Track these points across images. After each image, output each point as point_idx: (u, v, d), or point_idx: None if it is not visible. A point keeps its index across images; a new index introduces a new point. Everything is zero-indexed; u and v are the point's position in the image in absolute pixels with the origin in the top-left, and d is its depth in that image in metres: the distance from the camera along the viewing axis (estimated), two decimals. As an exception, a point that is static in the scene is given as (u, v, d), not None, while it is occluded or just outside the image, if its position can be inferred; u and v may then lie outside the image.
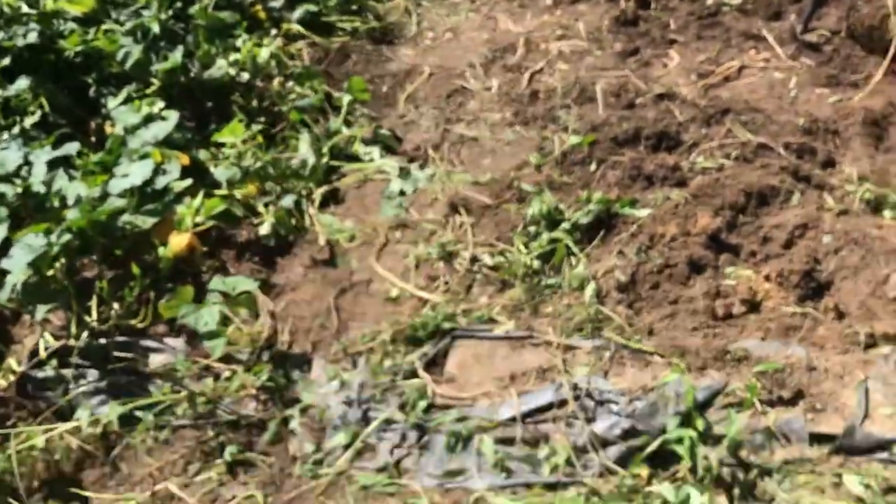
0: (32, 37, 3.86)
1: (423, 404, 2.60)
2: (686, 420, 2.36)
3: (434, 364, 2.80)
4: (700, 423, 2.34)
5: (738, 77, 4.04)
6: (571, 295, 2.96)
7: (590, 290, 2.92)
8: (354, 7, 5.06)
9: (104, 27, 4.04)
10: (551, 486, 2.36)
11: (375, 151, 3.92)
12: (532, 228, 3.23)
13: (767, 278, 2.90)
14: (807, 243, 3.01)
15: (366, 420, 2.63)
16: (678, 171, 3.40)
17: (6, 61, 3.72)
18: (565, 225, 3.18)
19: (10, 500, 2.57)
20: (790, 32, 4.27)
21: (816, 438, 2.35)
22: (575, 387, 2.54)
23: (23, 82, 3.68)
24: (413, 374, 2.75)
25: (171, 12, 4.26)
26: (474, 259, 3.21)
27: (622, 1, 4.78)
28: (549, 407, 2.51)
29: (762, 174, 3.28)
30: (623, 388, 2.54)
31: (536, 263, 3.09)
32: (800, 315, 2.75)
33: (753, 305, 2.83)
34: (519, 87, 4.23)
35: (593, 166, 3.52)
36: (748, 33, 4.33)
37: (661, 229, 3.10)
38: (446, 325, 2.88)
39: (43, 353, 2.91)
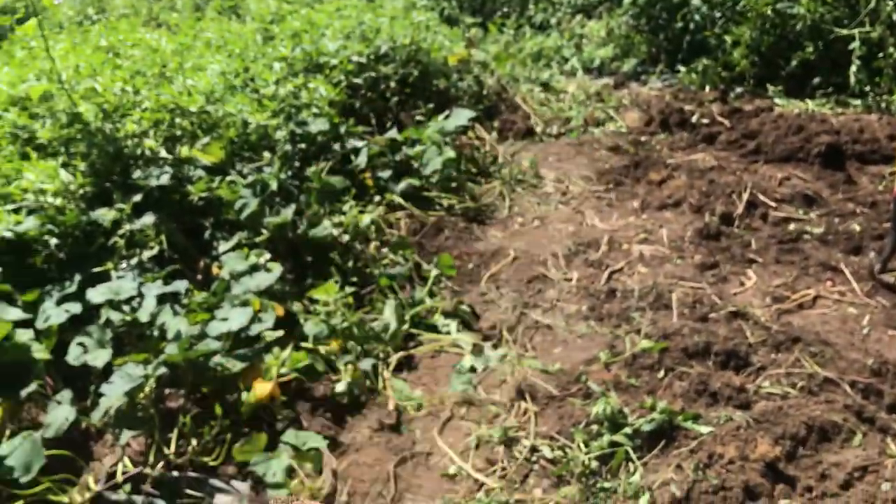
0: (164, 179, 4.27)
1: (466, 591, 2.66)
2: None
3: (481, 550, 2.87)
4: None
5: (812, 306, 4.14)
6: (625, 502, 3.01)
7: (644, 500, 2.96)
8: (454, 185, 5.42)
9: (228, 178, 4.44)
10: None
11: (453, 325, 4.13)
12: (594, 427, 3.32)
13: (822, 517, 2.90)
14: (865, 487, 3.01)
15: None
16: (743, 393, 3.47)
17: (138, 198, 4.11)
18: (627, 430, 3.27)
19: None
20: (868, 269, 4.37)
21: None
22: None
23: (148, 219, 4.05)
24: (460, 557, 2.82)
25: (289, 172, 4.69)
26: (534, 449, 3.30)
27: (707, 215, 5.00)
28: None
29: (826, 409, 3.33)
30: None
31: (594, 464, 3.17)
32: (852, 562, 2.74)
33: (805, 544, 2.83)
34: (598, 283, 4.42)
35: (661, 373, 3.63)
36: (826, 264, 4.46)
37: (720, 449, 3.16)
38: (498, 514, 2.96)
39: (119, 477, 3.09)
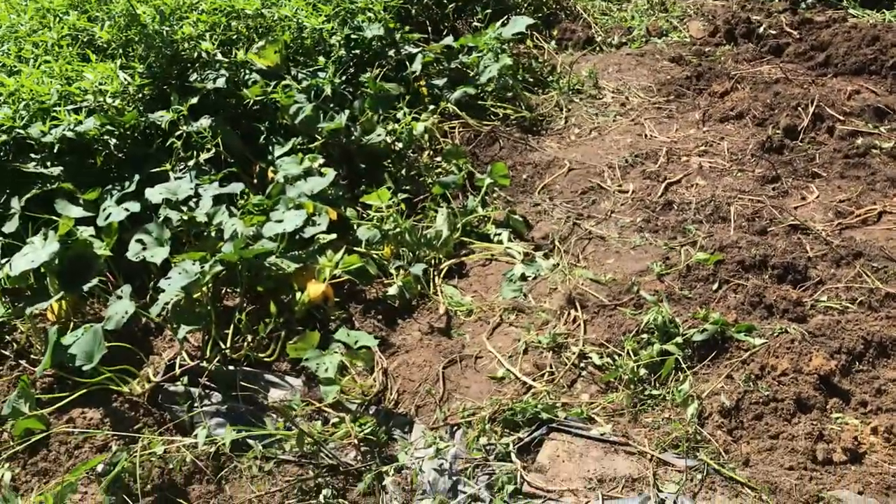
0: (221, 82, 4.28)
1: (510, 488, 2.71)
2: (766, 558, 2.37)
3: (527, 451, 2.91)
4: (780, 565, 2.35)
5: (877, 222, 4.01)
6: (673, 410, 3.02)
7: (692, 408, 2.97)
8: (509, 94, 5.32)
9: (283, 82, 4.43)
10: None
11: (505, 234, 4.11)
12: (644, 336, 3.31)
13: (875, 431, 2.87)
14: (922, 403, 2.97)
15: (454, 492, 2.75)
16: (800, 307, 3.41)
17: (194, 100, 4.13)
18: (678, 339, 3.25)
19: (125, 497, 2.82)
20: (939, 185, 4.22)
21: None
22: (662, 503, 2.59)
23: (205, 121, 4.08)
24: (506, 456, 2.87)
25: (344, 77, 4.64)
26: (582, 355, 3.32)
27: (770, 128, 4.84)
28: (632, 516, 2.57)
29: (885, 325, 3.26)
30: (708, 512, 2.58)
31: (643, 372, 3.17)
32: (903, 476, 2.72)
33: (856, 456, 2.81)
34: (654, 195, 4.34)
35: (715, 286, 3.58)
36: (895, 179, 4.29)
37: (773, 361, 3.13)
38: (544, 416, 2.99)
39: (178, 370, 3.20)
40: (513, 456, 2.86)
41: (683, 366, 3.17)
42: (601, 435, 2.91)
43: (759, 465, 2.78)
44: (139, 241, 3.44)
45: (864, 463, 2.78)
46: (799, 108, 4.95)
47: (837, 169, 4.45)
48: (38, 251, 3.26)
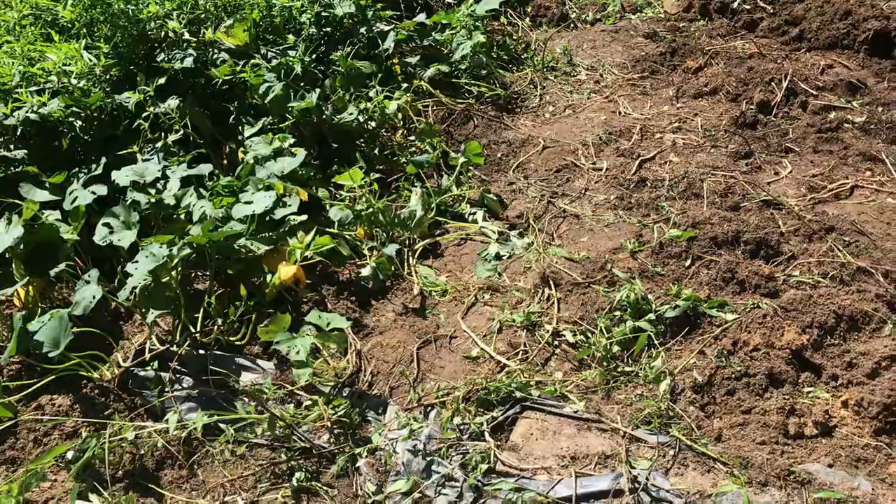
0: (189, 62, 4.21)
1: (483, 467, 2.71)
2: (737, 532, 2.39)
3: (501, 430, 2.90)
4: (751, 539, 2.37)
5: (849, 196, 4.03)
6: (646, 387, 3.02)
7: (665, 384, 2.97)
8: (484, 72, 5.28)
9: (253, 61, 4.36)
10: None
11: (479, 214, 4.09)
12: (617, 314, 3.31)
13: (846, 404, 2.89)
14: (892, 376, 2.98)
15: (428, 472, 2.75)
16: (772, 282, 3.42)
17: (162, 81, 4.06)
18: (651, 316, 3.26)
19: (96, 483, 2.79)
20: (911, 159, 4.23)
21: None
22: (634, 479, 2.60)
23: (173, 102, 4.01)
24: (479, 435, 2.86)
25: (314, 55, 4.58)
26: (556, 333, 3.31)
27: (744, 103, 4.84)
28: (605, 494, 2.57)
29: (857, 299, 3.27)
30: (681, 489, 2.59)
31: (616, 349, 3.17)
32: (873, 448, 2.73)
33: (827, 429, 2.83)
34: (627, 173, 4.33)
35: (688, 262, 3.58)
36: (867, 153, 4.30)
37: (745, 337, 3.14)
38: (518, 394, 2.99)
39: (147, 354, 3.16)
40: (486, 435, 2.86)
41: (656, 342, 3.17)
42: (574, 412, 2.91)
43: (732, 440, 2.79)
44: (106, 224, 3.39)
45: (835, 436, 2.80)
46: (772, 84, 4.95)
47: (810, 144, 4.46)
48: (2, 236, 3.20)
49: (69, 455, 2.83)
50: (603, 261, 3.62)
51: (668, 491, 2.56)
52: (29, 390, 3.03)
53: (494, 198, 4.19)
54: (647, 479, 2.59)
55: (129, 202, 3.49)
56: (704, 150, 4.49)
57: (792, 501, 2.52)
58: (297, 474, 2.79)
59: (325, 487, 2.79)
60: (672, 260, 3.62)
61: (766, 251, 3.63)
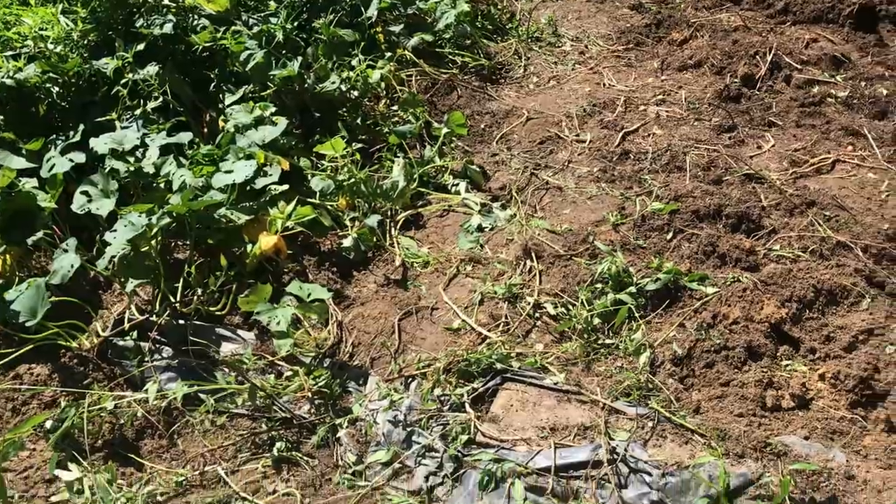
0: (168, 27, 4.14)
1: (464, 438, 2.72)
2: None
3: (481, 401, 2.91)
4: (727, 509, 2.39)
5: (831, 171, 4.04)
6: (626, 359, 3.04)
7: (644, 357, 2.99)
8: (468, 42, 5.23)
9: (234, 28, 4.29)
10: (572, 541, 2.45)
11: (462, 185, 4.07)
12: (599, 286, 3.32)
13: (822, 377, 2.92)
14: (869, 350, 3.02)
15: (408, 443, 2.76)
16: (752, 256, 3.44)
17: (141, 47, 3.99)
18: (631, 289, 3.26)
19: (75, 453, 2.78)
20: (892, 134, 4.24)
21: (840, 547, 2.38)
22: (612, 451, 2.62)
23: (152, 69, 3.95)
24: (460, 406, 2.87)
25: (296, 23, 4.52)
26: (538, 306, 3.31)
27: (729, 76, 4.83)
28: (583, 465, 2.59)
29: (836, 273, 3.30)
30: (659, 460, 2.61)
31: (597, 321, 3.18)
32: (848, 420, 2.77)
33: (803, 402, 2.86)
34: (611, 145, 4.32)
35: (670, 235, 3.59)
36: (849, 128, 4.31)
37: (725, 310, 3.15)
38: (499, 366, 2.99)
39: (126, 324, 3.14)
40: (467, 406, 2.86)
41: (636, 315, 3.18)
42: (554, 384, 2.92)
43: (710, 412, 2.82)
44: (84, 192, 3.35)
45: (811, 409, 2.83)
46: (757, 57, 4.94)
47: (793, 118, 4.46)
48: (-23, 204, 3.16)
49: (48, 424, 2.82)
50: (585, 233, 3.62)
51: (646, 462, 2.58)
52: (7, 359, 3.00)
53: (477, 169, 4.17)
54: (625, 450, 2.62)
55: (107, 170, 3.45)
56: (688, 123, 4.48)
57: (768, 473, 2.55)
58: (278, 444, 2.80)
59: (305, 457, 2.79)
60: (654, 233, 3.62)
61: (748, 225, 3.64)
